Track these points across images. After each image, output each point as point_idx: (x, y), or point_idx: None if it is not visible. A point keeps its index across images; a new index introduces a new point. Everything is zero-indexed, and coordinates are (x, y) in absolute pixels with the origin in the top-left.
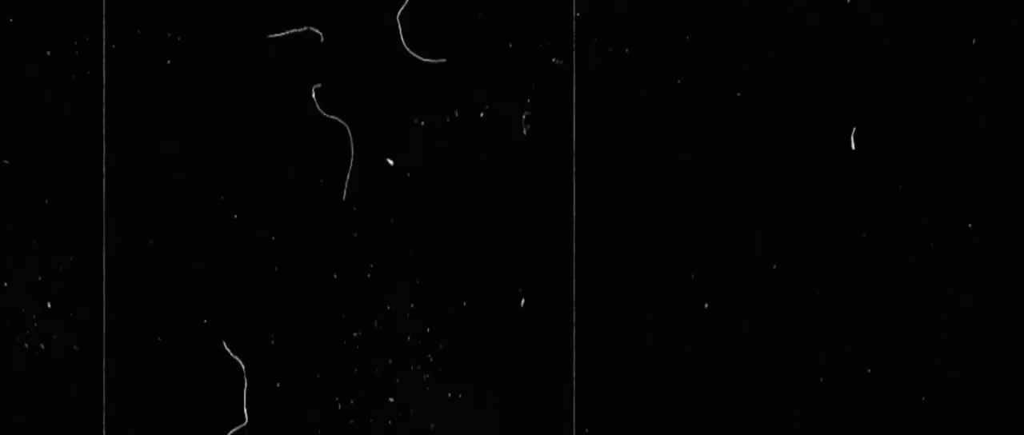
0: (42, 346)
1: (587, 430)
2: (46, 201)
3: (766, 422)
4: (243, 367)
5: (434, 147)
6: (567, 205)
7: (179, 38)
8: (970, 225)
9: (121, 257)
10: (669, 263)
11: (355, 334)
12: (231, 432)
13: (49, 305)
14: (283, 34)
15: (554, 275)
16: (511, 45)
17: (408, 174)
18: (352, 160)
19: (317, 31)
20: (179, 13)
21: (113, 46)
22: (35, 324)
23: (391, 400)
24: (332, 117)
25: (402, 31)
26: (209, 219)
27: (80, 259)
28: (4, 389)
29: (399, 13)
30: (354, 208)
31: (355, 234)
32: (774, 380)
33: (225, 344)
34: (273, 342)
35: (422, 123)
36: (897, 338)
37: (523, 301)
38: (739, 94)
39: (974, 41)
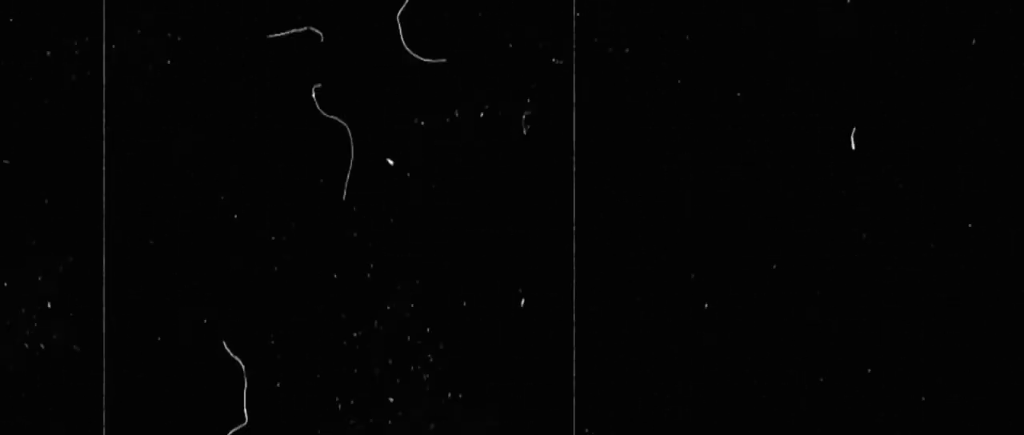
0: (42, 346)
1: (587, 430)
2: (46, 201)
3: (766, 422)
4: (243, 367)
5: (434, 147)
6: (567, 205)
7: (179, 38)
8: (970, 225)
9: (121, 257)
10: (669, 263)
11: (355, 334)
12: (231, 432)
13: (49, 305)
14: (283, 34)
15: (554, 275)
16: (511, 45)
17: (408, 174)
18: (352, 160)
19: (317, 31)
20: (179, 13)
21: (113, 46)
22: (35, 324)
23: (391, 400)
24: (332, 117)
25: (402, 31)
26: (209, 219)
27: (80, 259)
28: (4, 389)
29: (399, 13)
30: (354, 208)
31: (355, 234)
32: (774, 380)
33: (225, 344)
34: (273, 342)
35: (422, 123)
36: (897, 338)
37: (523, 301)
38: (739, 94)
39: (974, 41)
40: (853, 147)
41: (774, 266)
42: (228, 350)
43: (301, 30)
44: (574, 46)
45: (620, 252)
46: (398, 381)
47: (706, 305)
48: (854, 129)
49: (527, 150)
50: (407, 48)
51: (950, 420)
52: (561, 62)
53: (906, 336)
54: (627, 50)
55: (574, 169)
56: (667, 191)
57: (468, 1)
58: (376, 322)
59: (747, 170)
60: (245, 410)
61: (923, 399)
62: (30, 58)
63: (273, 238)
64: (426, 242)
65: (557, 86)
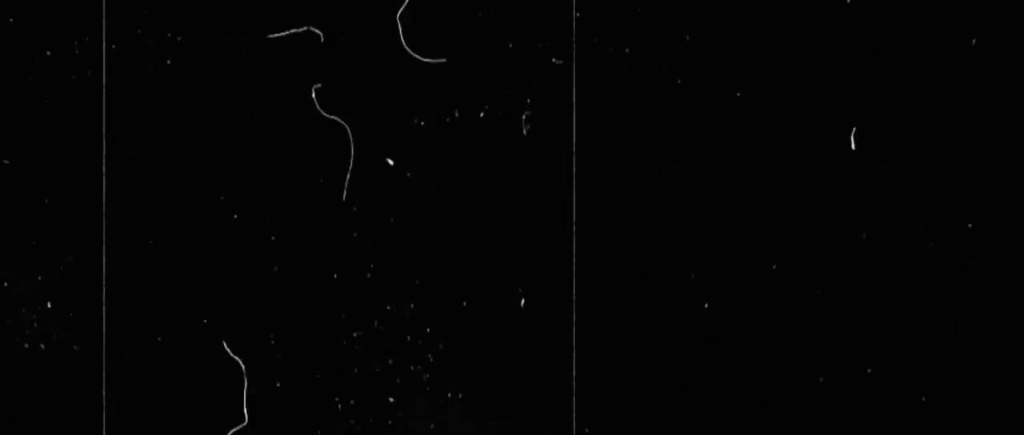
0: (42, 346)
1: (587, 430)
2: (46, 201)
3: (766, 422)
4: (243, 367)
5: (434, 147)
6: (567, 205)
7: (179, 38)
8: (970, 225)
9: (121, 257)
10: (669, 263)
11: (355, 334)
12: (231, 432)
13: (49, 305)
14: (283, 34)
15: (554, 275)
16: (511, 45)
17: (408, 174)
18: (352, 160)
19: (317, 31)
20: (179, 13)
21: (113, 46)
22: (35, 324)
23: (391, 400)
24: (332, 117)
25: (402, 31)
26: (209, 219)
27: (80, 259)
28: (4, 389)
29: (399, 13)
30: (354, 208)
31: (355, 234)
32: (774, 380)
33: (225, 344)
34: (273, 342)
35: (422, 123)
36: (897, 338)
37: (523, 301)
38: (739, 94)
39: (974, 41)
40: (853, 147)
41: (774, 266)
42: (228, 350)
43: (301, 30)
44: (574, 46)
45: (620, 252)
46: (398, 381)
47: (706, 305)
48: (854, 129)
49: (527, 150)
50: (407, 48)
51: (950, 420)
52: (561, 62)
53: (906, 336)
54: (627, 50)
55: (574, 169)
56: (667, 191)
57: (468, 1)
58: (376, 322)
59: (747, 170)
60: (245, 410)
61: (923, 399)
62: (30, 58)
63: (273, 238)
64: (426, 242)
65: (557, 86)
